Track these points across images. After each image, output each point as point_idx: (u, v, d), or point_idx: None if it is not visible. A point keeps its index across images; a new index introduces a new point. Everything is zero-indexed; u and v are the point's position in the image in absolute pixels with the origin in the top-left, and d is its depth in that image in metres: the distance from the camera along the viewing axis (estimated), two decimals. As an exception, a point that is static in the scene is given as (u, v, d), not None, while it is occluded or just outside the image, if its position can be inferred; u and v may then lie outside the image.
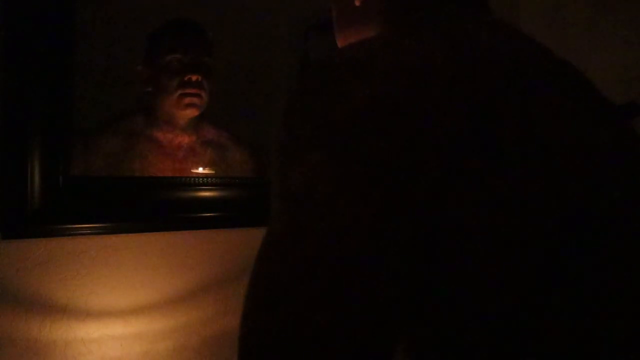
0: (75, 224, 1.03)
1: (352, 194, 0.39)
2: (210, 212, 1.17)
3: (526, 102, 0.44)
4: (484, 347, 0.40)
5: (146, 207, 1.11)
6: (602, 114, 0.51)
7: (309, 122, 0.43)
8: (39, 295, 1.00)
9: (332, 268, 0.38)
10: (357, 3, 0.61)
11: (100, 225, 1.05)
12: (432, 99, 0.41)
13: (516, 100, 0.43)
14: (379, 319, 0.39)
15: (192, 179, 1.19)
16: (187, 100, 1.20)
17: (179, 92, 1.19)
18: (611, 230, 0.44)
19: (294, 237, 0.40)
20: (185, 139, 1.23)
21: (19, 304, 0.98)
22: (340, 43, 0.65)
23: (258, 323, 0.39)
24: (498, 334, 0.40)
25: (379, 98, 0.41)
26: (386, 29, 0.58)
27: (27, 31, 0.95)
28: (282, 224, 0.41)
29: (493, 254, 0.40)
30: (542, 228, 0.40)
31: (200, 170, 1.23)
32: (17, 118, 0.95)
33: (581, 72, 0.54)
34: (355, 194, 0.39)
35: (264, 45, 1.33)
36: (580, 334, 0.41)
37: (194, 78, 1.19)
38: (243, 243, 1.18)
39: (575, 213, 0.42)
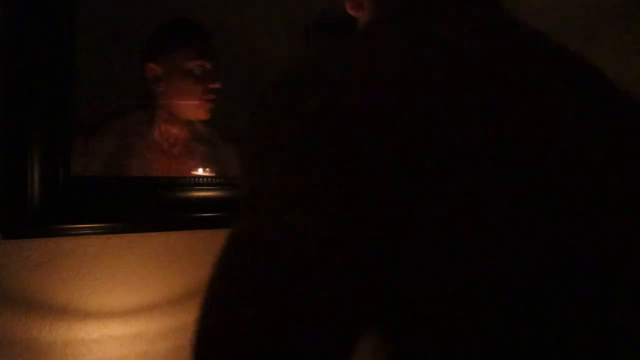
0: (75, 224, 1.03)
1: (307, 202, 0.39)
2: (210, 212, 1.17)
3: (497, 102, 0.42)
4: (458, 351, 0.40)
5: (146, 207, 1.11)
6: (601, 110, 0.49)
7: (266, 131, 0.43)
8: (39, 295, 1.00)
9: (290, 276, 0.38)
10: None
11: (100, 225, 1.05)
12: (384, 104, 0.40)
13: (484, 100, 0.42)
14: (337, 325, 0.39)
15: (192, 179, 1.19)
16: (209, 106, 1.24)
17: (203, 98, 1.23)
18: (593, 230, 0.42)
19: (251, 243, 0.40)
20: (180, 135, 1.24)
21: (19, 304, 0.98)
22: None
23: (215, 327, 0.40)
24: (472, 340, 0.40)
25: (331, 105, 0.41)
26: (371, 19, 0.59)
27: (27, 31, 0.95)
28: (242, 230, 0.42)
29: (457, 257, 0.39)
30: (504, 227, 0.39)
31: (200, 171, 1.23)
32: (17, 118, 0.95)
33: (588, 63, 0.52)
34: (309, 202, 0.39)
35: (264, 45, 1.33)
36: (562, 339, 0.40)
37: (216, 86, 1.23)
38: (243, 243, 1.18)
39: (549, 214, 0.40)
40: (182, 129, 1.24)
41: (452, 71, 0.43)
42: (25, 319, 0.98)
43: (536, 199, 0.40)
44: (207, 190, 1.18)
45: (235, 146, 1.32)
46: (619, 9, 1.45)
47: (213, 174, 1.24)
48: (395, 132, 0.39)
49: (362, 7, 0.60)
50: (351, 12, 0.62)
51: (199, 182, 1.18)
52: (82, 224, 1.04)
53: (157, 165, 1.20)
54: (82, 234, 1.03)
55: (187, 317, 1.13)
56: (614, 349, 0.42)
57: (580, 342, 0.41)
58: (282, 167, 0.41)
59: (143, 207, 1.10)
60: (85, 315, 1.03)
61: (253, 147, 0.44)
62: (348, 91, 0.41)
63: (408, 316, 0.41)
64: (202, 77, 1.22)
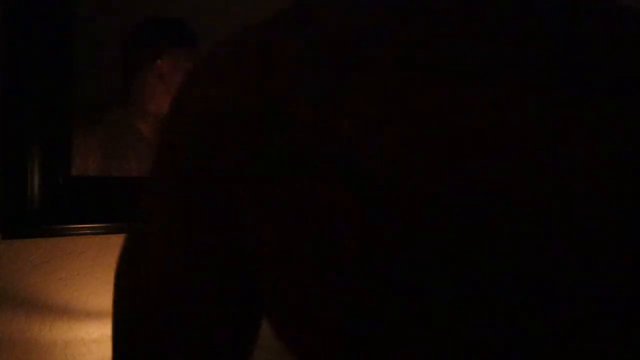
0: (75, 224, 1.03)
1: (156, 208, 0.39)
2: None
3: (342, 94, 0.34)
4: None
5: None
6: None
7: None
8: (39, 295, 1.00)
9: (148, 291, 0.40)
10: None
11: (100, 225, 1.05)
12: (214, 103, 0.37)
13: (317, 98, 0.35)
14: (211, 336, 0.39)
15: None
16: None
17: None
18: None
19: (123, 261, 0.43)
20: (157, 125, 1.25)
21: (19, 304, 0.98)
22: None
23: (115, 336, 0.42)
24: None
25: (174, 110, 0.40)
26: None
27: (27, 31, 0.95)
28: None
29: (283, 271, 0.35)
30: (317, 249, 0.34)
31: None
32: (17, 118, 0.95)
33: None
34: (157, 208, 0.39)
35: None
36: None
37: None
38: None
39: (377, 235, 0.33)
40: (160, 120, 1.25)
41: (295, 66, 0.36)
42: (25, 319, 0.98)
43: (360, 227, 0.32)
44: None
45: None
46: None
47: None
48: (222, 137, 0.36)
49: None
50: None
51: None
52: (82, 224, 1.04)
53: (146, 157, 1.20)
54: (82, 234, 1.03)
55: (187, 317, 1.13)
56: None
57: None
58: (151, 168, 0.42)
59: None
60: (85, 315, 1.03)
61: None
62: (190, 95, 0.39)
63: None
64: None
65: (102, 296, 1.05)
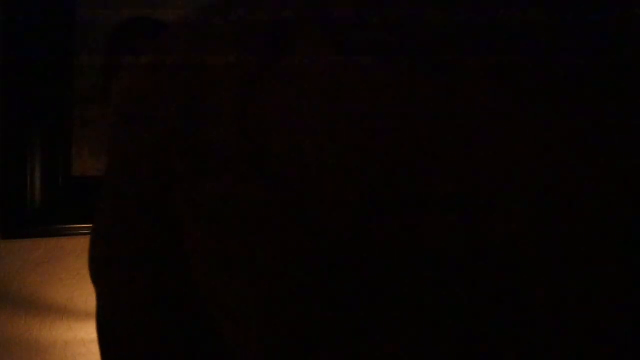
0: (75, 224, 1.03)
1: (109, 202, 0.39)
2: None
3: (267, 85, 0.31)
4: None
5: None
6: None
7: None
8: (39, 295, 1.00)
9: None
10: None
11: (101, 225, 1.05)
12: (142, 100, 0.35)
13: (232, 91, 0.32)
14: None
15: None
16: None
17: None
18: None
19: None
20: None
21: (19, 304, 0.98)
22: None
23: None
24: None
25: (118, 101, 0.39)
26: None
27: (28, 32, 0.95)
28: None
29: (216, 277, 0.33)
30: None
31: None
32: (17, 118, 0.95)
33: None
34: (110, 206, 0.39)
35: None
36: None
37: None
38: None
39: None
40: None
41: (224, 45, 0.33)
42: (25, 319, 0.98)
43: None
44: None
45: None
46: None
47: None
48: (154, 133, 0.34)
49: None
50: None
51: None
52: (82, 224, 1.03)
53: None
54: (82, 234, 1.03)
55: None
56: None
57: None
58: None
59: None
60: (85, 315, 1.03)
61: None
62: (133, 89, 0.37)
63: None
64: None
65: (102, 296, 1.05)
